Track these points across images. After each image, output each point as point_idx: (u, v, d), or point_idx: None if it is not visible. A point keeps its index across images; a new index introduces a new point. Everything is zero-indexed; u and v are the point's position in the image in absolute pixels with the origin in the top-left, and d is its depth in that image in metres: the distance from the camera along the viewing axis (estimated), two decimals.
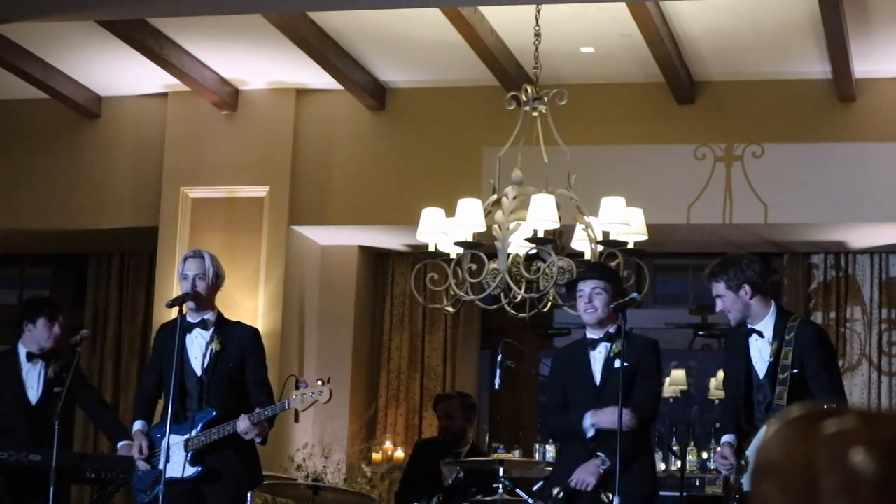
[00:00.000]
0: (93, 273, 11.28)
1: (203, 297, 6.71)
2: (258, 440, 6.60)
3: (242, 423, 6.45)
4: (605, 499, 6.36)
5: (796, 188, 9.37)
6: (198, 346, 6.69)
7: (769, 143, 9.45)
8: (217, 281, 6.77)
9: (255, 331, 6.90)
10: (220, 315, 6.81)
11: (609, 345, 6.52)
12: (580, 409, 6.48)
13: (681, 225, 9.56)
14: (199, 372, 6.66)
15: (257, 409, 6.53)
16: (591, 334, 6.58)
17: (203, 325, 6.71)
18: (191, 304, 6.70)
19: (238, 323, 6.94)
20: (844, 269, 10.15)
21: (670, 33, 8.73)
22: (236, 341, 6.73)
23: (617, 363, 6.44)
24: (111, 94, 10.39)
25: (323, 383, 6.65)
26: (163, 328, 6.95)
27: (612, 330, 6.53)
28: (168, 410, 6.64)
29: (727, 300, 6.27)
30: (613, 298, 6.48)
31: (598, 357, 6.54)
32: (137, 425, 6.80)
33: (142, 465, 6.73)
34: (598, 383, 6.51)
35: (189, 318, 6.72)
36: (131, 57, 9.31)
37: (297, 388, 6.66)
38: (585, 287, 6.55)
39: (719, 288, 6.27)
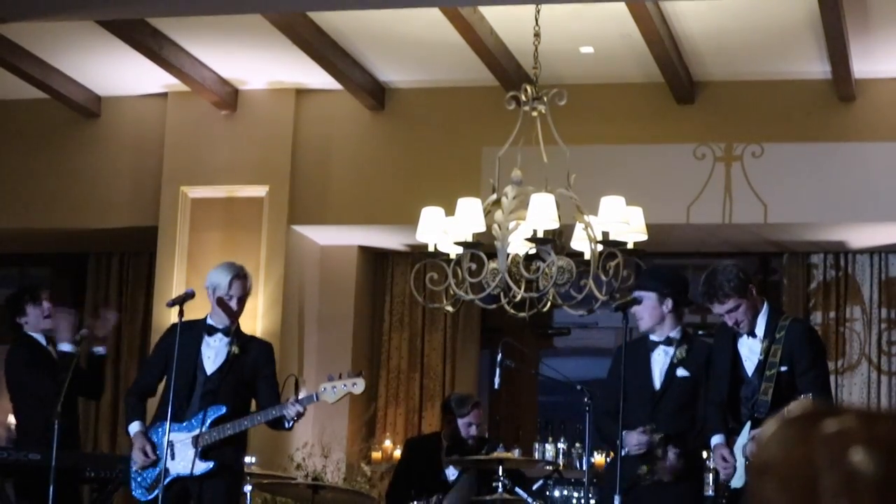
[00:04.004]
0: (93, 273, 11.28)
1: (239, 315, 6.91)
2: (288, 425, 6.75)
3: (293, 408, 6.58)
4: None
5: (796, 188, 9.37)
6: (214, 349, 6.77)
7: (769, 143, 9.46)
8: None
9: (271, 345, 7.10)
10: (239, 325, 6.95)
11: (669, 350, 6.53)
12: (637, 412, 6.42)
13: (680, 225, 9.56)
14: (209, 371, 6.71)
15: (297, 397, 6.69)
16: (653, 337, 6.60)
17: (226, 330, 6.81)
18: (224, 318, 6.82)
19: (254, 336, 7.19)
20: (844, 268, 10.15)
21: (670, 33, 8.73)
22: (254, 351, 6.90)
23: (680, 371, 6.46)
24: (111, 94, 10.39)
25: (357, 374, 6.74)
26: (177, 327, 6.83)
27: (672, 334, 6.54)
28: (165, 408, 6.68)
29: (741, 308, 6.25)
30: (662, 301, 6.50)
31: (657, 360, 6.55)
32: (137, 426, 6.79)
33: (139, 458, 6.70)
34: (657, 388, 6.51)
35: (212, 322, 6.82)
36: (131, 57, 9.31)
37: (328, 379, 6.73)
38: (633, 296, 6.61)
39: (730, 303, 6.24)
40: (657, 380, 6.51)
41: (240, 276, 6.85)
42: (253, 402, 6.90)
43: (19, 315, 7.65)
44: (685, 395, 6.44)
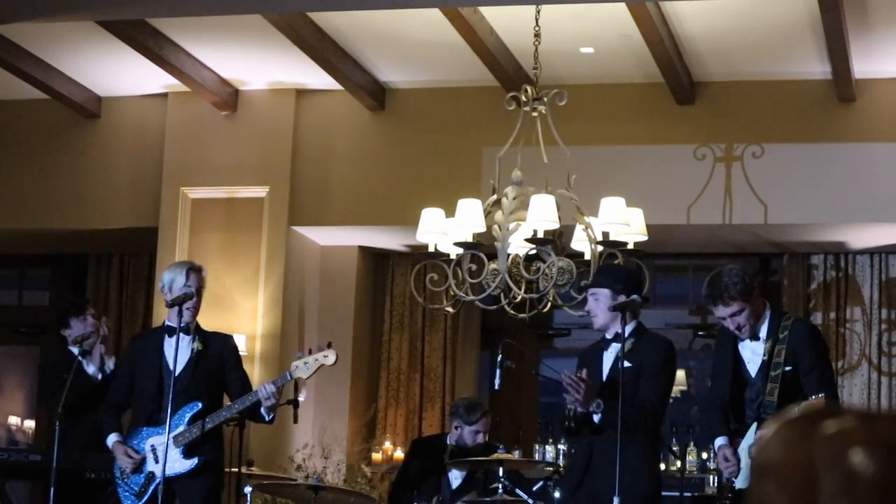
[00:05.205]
0: (93, 273, 11.28)
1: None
2: (268, 417, 6.72)
3: (265, 389, 6.58)
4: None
5: (796, 188, 9.37)
6: (176, 349, 6.76)
7: (769, 143, 9.46)
8: None
9: (232, 337, 7.16)
10: (198, 323, 6.96)
11: (619, 345, 6.50)
12: None
13: (681, 225, 9.56)
14: (176, 372, 6.73)
15: (265, 382, 6.73)
16: (607, 335, 6.56)
17: (186, 329, 6.83)
18: (187, 314, 6.79)
19: (215, 332, 7.14)
20: (844, 269, 10.15)
21: (670, 33, 8.73)
22: (216, 344, 6.92)
23: (624, 363, 6.42)
24: (111, 94, 10.40)
25: (326, 346, 6.73)
26: (137, 338, 7.03)
27: (621, 331, 6.50)
28: (142, 411, 6.76)
29: (745, 313, 6.24)
30: (613, 297, 6.46)
31: (607, 358, 6.53)
32: (114, 437, 6.83)
33: (126, 462, 6.73)
34: (602, 382, 6.50)
35: (170, 323, 6.83)
36: (131, 57, 9.31)
37: (297, 357, 6.77)
38: (588, 298, 6.58)
39: (734, 306, 6.24)
40: (604, 375, 6.50)
41: (194, 268, 6.87)
42: (226, 398, 6.94)
43: (63, 327, 7.81)
44: (628, 386, 6.38)
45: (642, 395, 6.41)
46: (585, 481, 6.42)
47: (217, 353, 6.87)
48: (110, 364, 7.74)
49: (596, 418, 6.35)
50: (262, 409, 6.67)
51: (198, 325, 6.92)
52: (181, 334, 6.78)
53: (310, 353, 6.81)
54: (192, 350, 6.81)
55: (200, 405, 6.70)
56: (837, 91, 9.30)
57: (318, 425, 10.11)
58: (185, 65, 9.48)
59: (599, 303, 6.51)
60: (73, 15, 8.39)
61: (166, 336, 6.82)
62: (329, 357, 6.75)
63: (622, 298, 6.46)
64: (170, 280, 6.82)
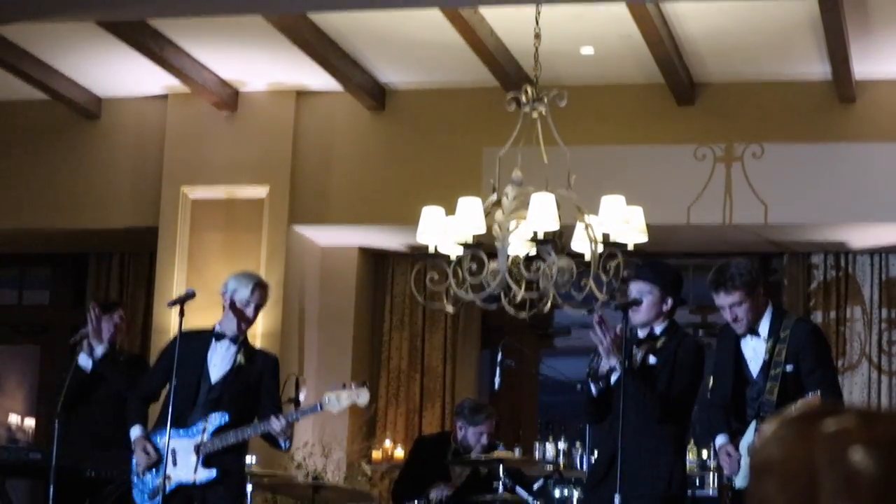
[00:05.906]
0: (93, 273, 11.28)
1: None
2: (285, 446, 6.73)
3: (277, 423, 6.57)
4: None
5: (796, 188, 9.37)
6: (219, 356, 6.76)
7: (769, 144, 9.46)
8: None
9: (277, 359, 7.10)
10: (247, 336, 6.97)
11: (651, 344, 6.47)
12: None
13: (681, 225, 9.56)
14: (214, 379, 6.71)
15: (292, 411, 6.76)
16: (640, 333, 6.53)
17: (234, 338, 6.82)
18: (235, 324, 6.81)
19: (261, 349, 7.20)
20: (844, 268, 10.16)
21: (670, 34, 8.73)
22: (260, 362, 6.90)
23: (651, 359, 6.40)
24: (111, 95, 10.39)
25: (361, 385, 6.73)
26: (183, 337, 6.77)
27: (656, 329, 6.49)
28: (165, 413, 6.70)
29: (745, 306, 6.23)
30: (662, 298, 6.44)
31: (639, 354, 6.50)
32: (137, 431, 6.80)
33: (142, 458, 6.71)
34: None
35: (220, 329, 6.84)
36: (131, 58, 9.31)
37: (332, 389, 6.76)
38: (632, 289, 6.52)
39: (735, 295, 6.22)
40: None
41: (262, 284, 6.91)
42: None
43: (86, 323, 7.78)
44: (651, 383, 6.36)
45: (665, 389, 6.37)
46: (609, 476, 6.35)
47: (258, 371, 6.85)
48: (99, 351, 7.67)
49: (613, 377, 6.31)
50: (280, 440, 6.68)
51: (245, 339, 6.92)
52: (228, 342, 6.80)
53: (344, 387, 6.81)
54: (235, 362, 6.80)
55: (228, 418, 6.67)
56: (837, 91, 9.30)
57: (319, 424, 10.10)
58: (186, 66, 9.48)
59: (648, 299, 6.42)
60: (73, 15, 8.39)
61: (214, 341, 6.82)
62: (362, 397, 6.76)
63: (670, 302, 6.44)
64: (233, 289, 6.82)
